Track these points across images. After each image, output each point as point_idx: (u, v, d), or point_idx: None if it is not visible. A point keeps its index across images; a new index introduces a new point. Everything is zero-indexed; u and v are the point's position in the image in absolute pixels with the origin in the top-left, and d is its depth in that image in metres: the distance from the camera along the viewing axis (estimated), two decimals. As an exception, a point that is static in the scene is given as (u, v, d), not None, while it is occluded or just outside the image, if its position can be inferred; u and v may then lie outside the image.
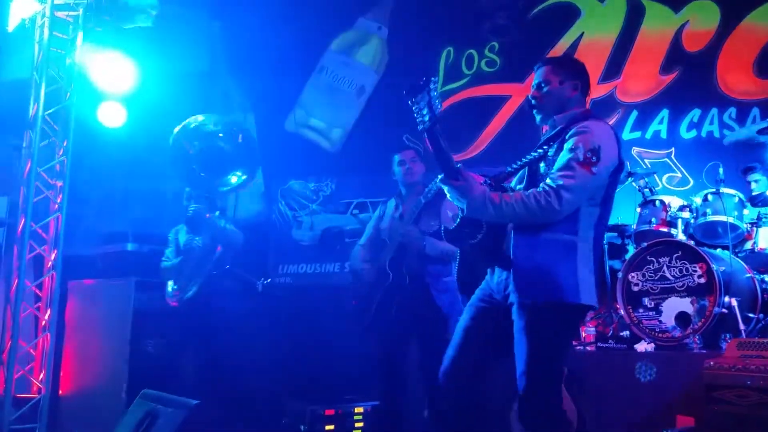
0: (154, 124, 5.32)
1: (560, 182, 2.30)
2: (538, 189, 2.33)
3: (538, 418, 2.31)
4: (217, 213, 4.69)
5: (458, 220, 2.41)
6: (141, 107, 5.35)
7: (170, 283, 4.57)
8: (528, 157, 2.49)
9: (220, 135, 4.81)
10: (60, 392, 5.09)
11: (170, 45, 5.56)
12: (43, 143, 5.01)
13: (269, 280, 4.42)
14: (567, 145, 2.38)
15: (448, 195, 2.38)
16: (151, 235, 5.32)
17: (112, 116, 5.28)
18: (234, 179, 4.75)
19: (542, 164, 2.45)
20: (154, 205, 5.62)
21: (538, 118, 2.59)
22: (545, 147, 2.47)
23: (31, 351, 4.96)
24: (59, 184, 5.15)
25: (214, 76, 6.21)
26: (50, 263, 5.06)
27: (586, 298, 2.34)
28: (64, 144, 5.15)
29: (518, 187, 2.55)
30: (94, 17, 5.12)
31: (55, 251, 5.06)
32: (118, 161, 5.59)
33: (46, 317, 5.00)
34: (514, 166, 2.54)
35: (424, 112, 2.32)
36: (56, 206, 5.11)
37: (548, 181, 2.33)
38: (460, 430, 2.47)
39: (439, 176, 2.37)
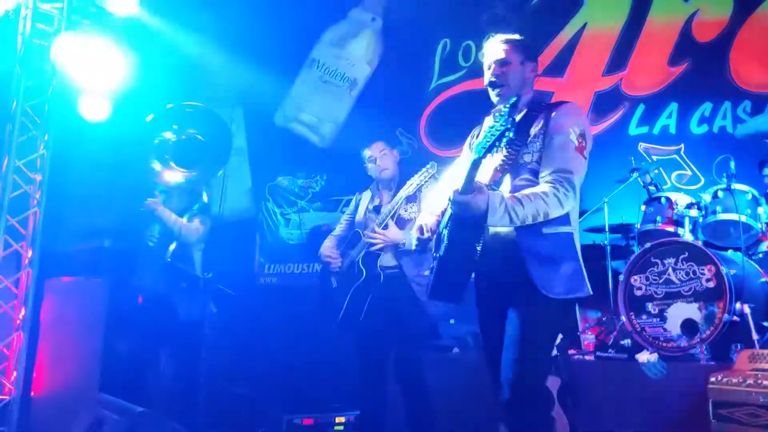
0: (138, 118, 5.18)
1: (569, 172, 2.29)
2: (552, 184, 2.28)
3: (526, 408, 2.29)
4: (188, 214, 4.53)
5: (447, 228, 2.35)
6: (126, 101, 5.22)
7: None
8: (507, 153, 2.32)
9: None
10: (32, 393, 4.90)
11: (156, 37, 5.39)
12: (23, 137, 4.90)
13: (210, 275, 4.21)
14: (554, 133, 2.33)
15: (460, 209, 2.22)
16: (130, 232, 5.14)
17: (95, 110, 5.15)
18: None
19: (526, 155, 2.37)
20: (136, 202, 5.46)
21: (496, 101, 2.50)
22: (518, 139, 2.33)
23: (4, 350, 4.81)
24: (38, 178, 5.02)
25: (201, 68, 6.04)
26: (27, 260, 4.92)
27: (588, 288, 2.38)
28: (45, 138, 5.02)
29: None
30: (79, 9, 5.00)
31: (32, 248, 4.89)
32: (100, 156, 5.46)
33: (21, 315, 4.84)
34: (496, 165, 2.38)
35: (500, 139, 2.15)
36: (35, 201, 4.98)
37: (555, 173, 2.29)
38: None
39: (453, 192, 2.23)
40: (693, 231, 3.93)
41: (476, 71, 5.82)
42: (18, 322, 4.85)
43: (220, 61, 6.09)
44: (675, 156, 5.09)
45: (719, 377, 2.59)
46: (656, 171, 4.25)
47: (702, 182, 4.89)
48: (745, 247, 3.74)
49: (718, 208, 3.85)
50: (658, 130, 5.16)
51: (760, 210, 3.83)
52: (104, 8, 5.03)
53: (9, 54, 5.03)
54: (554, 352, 3.15)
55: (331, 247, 3.73)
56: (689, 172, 5.02)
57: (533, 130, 2.37)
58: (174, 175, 4.57)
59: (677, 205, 3.96)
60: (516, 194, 2.27)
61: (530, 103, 2.47)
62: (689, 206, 3.94)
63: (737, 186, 3.86)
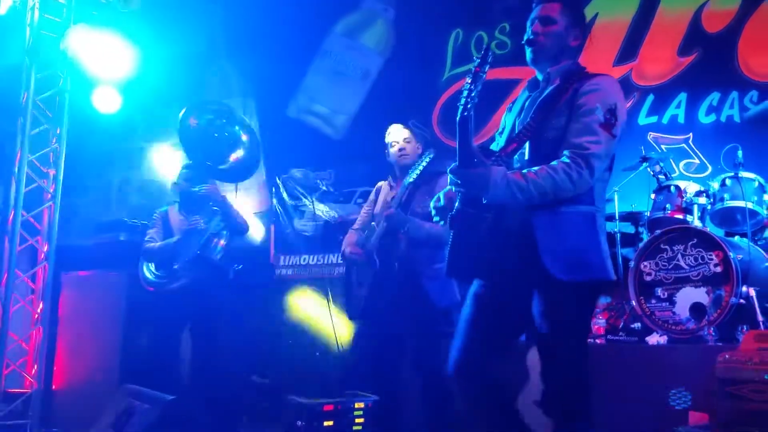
0: (151, 109, 5.21)
1: (588, 149, 2.10)
2: (563, 160, 2.11)
3: (571, 406, 2.18)
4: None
5: (458, 201, 2.22)
6: (137, 92, 5.25)
7: (150, 266, 4.29)
8: (528, 124, 2.23)
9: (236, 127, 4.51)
10: (53, 387, 4.98)
11: (168, 28, 5.42)
12: (35, 130, 4.92)
13: (240, 267, 4.21)
14: (580, 106, 2.16)
15: (459, 184, 2.12)
16: (146, 226, 5.18)
17: (107, 102, 5.17)
18: (233, 157, 4.40)
19: (551, 131, 2.20)
20: (151, 195, 5.51)
21: (533, 63, 2.32)
22: (544, 110, 2.20)
23: (24, 345, 4.87)
24: (52, 172, 5.06)
25: (213, 59, 6.07)
26: (43, 254, 4.97)
27: (612, 272, 2.21)
28: (58, 131, 5.05)
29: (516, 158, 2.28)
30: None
31: (48, 242, 4.96)
32: (114, 149, 5.49)
33: (39, 310, 4.91)
34: (512, 135, 2.30)
35: (473, 94, 2.10)
36: (49, 195, 5.02)
37: (572, 149, 2.12)
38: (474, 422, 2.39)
39: (452, 165, 2.13)
40: (701, 218, 3.97)
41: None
42: (36, 316, 4.92)
43: (231, 52, 6.13)
44: (683, 145, 5.12)
45: (726, 357, 2.64)
46: (663, 163, 4.28)
47: (709, 170, 4.93)
48: (751, 233, 3.79)
49: (726, 196, 3.90)
50: (667, 119, 5.19)
51: (766, 197, 3.89)
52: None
53: (17, 46, 5.02)
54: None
55: (352, 243, 3.66)
56: (697, 161, 5.06)
57: (561, 102, 2.20)
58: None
59: (686, 193, 3.99)
60: (523, 171, 2.12)
61: (566, 73, 2.27)
62: (698, 194, 3.98)
63: (744, 174, 3.90)
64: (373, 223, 3.60)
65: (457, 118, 2.08)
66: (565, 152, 2.13)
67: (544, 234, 2.14)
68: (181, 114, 4.26)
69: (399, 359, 3.55)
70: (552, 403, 2.22)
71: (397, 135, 3.60)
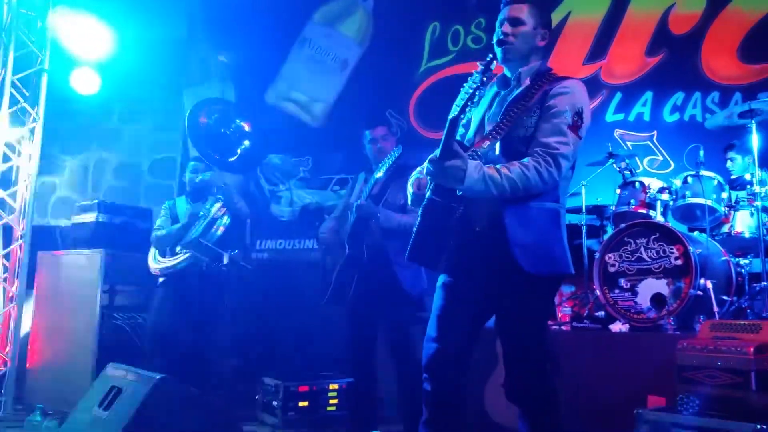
0: (128, 91, 5.19)
1: (557, 149, 2.21)
2: (534, 158, 2.21)
3: (533, 392, 2.29)
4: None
5: (429, 190, 2.28)
6: (116, 74, 5.22)
7: (155, 252, 4.37)
8: (501, 122, 2.31)
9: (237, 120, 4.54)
10: (27, 365, 4.98)
11: (147, 11, 5.40)
12: (13, 109, 4.88)
13: (236, 252, 4.28)
14: (550, 107, 2.25)
15: (435, 174, 2.18)
16: (123, 207, 5.20)
17: (86, 83, 5.15)
18: (240, 149, 4.42)
19: (521, 127, 2.28)
20: (127, 176, 5.50)
21: (503, 62, 2.39)
22: (515, 109, 2.28)
23: (-3, 323, 4.86)
24: (29, 151, 5.03)
25: (193, 44, 6.05)
26: (19, 233, 4.95)
27: (571, 266, 2.34)
28: (35, 110, 5.02)
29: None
30: (68, -22, 4.97)
31: (24, 221, 4.94)
32: (91, 129, 5.45)
33: (14, 288, 4.90)
34: (482, 131, 2.40)
35: (475, 99, 2.16)
36: (26, 174, 4.99)
37: (542, 148, 2.22)
38: (444, 412, 2.45)
39: (430, 156, 2.19)
40: (664, 213, 4.15)
41: (465, 56, 6.01)
42: (11, 295, 4.91)
43: (211, 37, 6.13)
44: (648, 142, 5.33)
45: (684, 344, 2.81)
46: (628, 160, 4.47)
47: (672, 167, 5.14)
48: (710, 229, 4.04)
49: (687, 193, 4.10)
50: (633, 117, 5.39)
51: (724, 195, 4.11)
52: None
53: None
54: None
55: (328, 229, 3.77)
56: (661, 158, 5.27)
57: (531, 102, 2.28)
58: None
59: (650, 189, 4.17)
60: (496, 165, 2.19)
61: (535, 74, 2.36)
62: (661, 190, 4.15)
63: (705, 173, 4.11)
64: (349, 211, 3.69)
65: (450, 116, 2.12)
66: (536, 150, 2.22)
67: (513, 228, 2.23)
68: (188, 112, 4.34)
69: (372, 344, 3.66)
70: (516, 390, 2.33)
71: (376, 132, 3.70)
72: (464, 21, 5.98)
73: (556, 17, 5.66)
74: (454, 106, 2.14)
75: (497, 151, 2.30)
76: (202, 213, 4.29)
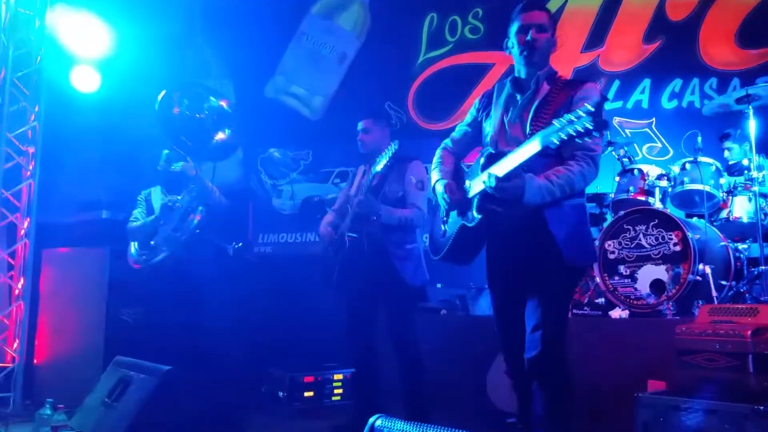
0: (128, 88, 5.21)
1: (594, 150, 2.41)
2: (577, 160, 2.39)
3: (554, 371, 2.45)
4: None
5: (476, 198, 2.45)
6: (116, 71, 5.24)
7: (134, 244, 4.36)
8: (533, 126, 2.44)
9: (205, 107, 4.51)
10: (35, 361, 5.03)
11: (145, 7, 5.41)
12: (13, 108, 4.93)
13: (240, 245, 4.30)
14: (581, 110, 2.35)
15: (498, 191, 2.32)
16: (126, 203, 5.21)
17: (85, 81, 5.18)
18: (220, 135, 4.40)
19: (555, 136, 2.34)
20: (129, 172, 5.51)
21: (527, 66, 2.53)
22: (544, 115, 2.44)
23: (5, 320, 4.93)
24: (31, 150, 5.08)
25: (191, 40, 6.06)
26: (23, 231, 5.01)
27: (596, 256, 2.57)
28: (36, 109, 5.07)
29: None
30: (66, -22, 4.98)
31: (28, 219, 4.99)
32: (92, 127, 5.47)
33: (20, 286, 4.96)
34: (508, 136, 2.54)
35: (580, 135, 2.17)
36: (28, 173, 5.05)
37: (580, 150, 2.39)
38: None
39: (491, 178, 2.31)
40: (662, 200, 4.19)
41: (462, 46, 6.03)
42: (17, 292, 4.97)
43: (209, 32, 6.14)
44: (646, 129, 5.36)
45: (683, 329, 2.85)
46: (627, 148, 4.50)
47: (671, 154, 5.18)
48: (708, 214, 4.06)
49: (686, 179, 4.13)
50: (631, 104, 5.42)
51: (722, 181, 4.15)
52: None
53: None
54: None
55: (328, 223, 3.82)
56: (659, 145, 5.30)
57: (557, 106, 2.44)
58: None
59: (648, 176, 4.20)
60: (546, 174, 2.37)
61: (549, 79, 2.54)
62: (659, 177, 4.19)
63: (703, 159, 4.14)
64: (348, 204, 3.73)
65: (542, 147, 2.19)
66: (576, 153, 2.39)
67: (554, 225, 2.42)
68: (160, 99, 4.27)
69: (372, 334, 3.72)
70: (538, 365, 2.47)
71: (361, 125, 3.75)
72: (461, 11, 6.00)
73: (553, 5, 5.68)
74: (546, 136, 2.17)
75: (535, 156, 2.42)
76: (177, 205, 4.23)
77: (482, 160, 2.51)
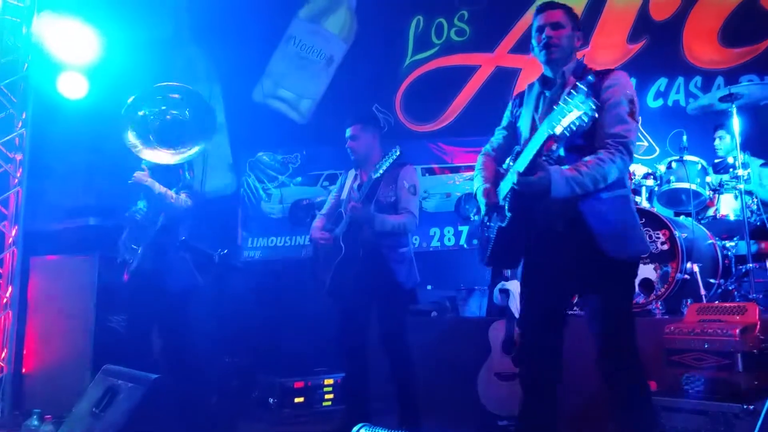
0: (116, 94, 5.16)
1: (626, 137, 2.35)
2: (608, 149, 2.33)
3: (629, 367, 2.40)
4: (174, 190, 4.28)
5: (508, 198, 2.44)
6: (103, 78, 5.21)
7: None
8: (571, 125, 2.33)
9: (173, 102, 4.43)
10: (23, 370, 4.99)
11: (132, 13, 5.39)
12: (0, 115, 4.89)
13: (226, 251, 4.28)
14: (606, 100, 2.38)
15: (524, 187, 2.30)
16: (114, 209, 5.19)
17: (73, 87, 5.14)
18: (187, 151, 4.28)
19: (555, 120, 2.33)
20: (117, 179, 5.48)
21: (548, 64, 2.53)
22: (568, 108, 2.30)
23: (-8, 329, 4.88)
24: (19, 157, 5.04)
25: (179, 44, 6.04)
26: (11, 239, 4.96)
27: (648, 244, 2.56)
28: (23, 116, 5.02)
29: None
30: (52, -16, 4.95)
31: (16, 226, 4.96)
32: (80, 134, 5.44)
33: (8, 294, 4.91)
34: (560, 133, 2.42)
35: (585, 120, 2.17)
36: (16, 180, 5.01)
37: (611, 138, 2.34)
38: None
39: (513, 174, 2.32)
40: (649, 199, 4.21)
41: (448, 48, 6.06)
42: (5, 300, 4.92)
43: (197, 37, 6.12)
44: (633, 128, 5.41)
45: (672, 328, 2.88)
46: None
47: (657, 152, 5.22)
48: (695, 213, 4.08)
49: (672, 178, 4.16)
50: (617, 103, 5.46)
51: (708, 179, 4.18)
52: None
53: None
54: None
55: (320, 228, 3.78)
56: (646, 144, 5.34)
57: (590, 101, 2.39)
58: (160, 156, 4.26)
59: (635, 175, 4.21)
60: (575, 165, 2.32)
61: (575, 72, 2.51)
62: (646, 176, 4.21)
63: (689, 157, 4.17)
64: (341, 209, 3.71)
65: (548, 133, 2.20)
66: (607, 141, 2.35)
67: (593, 220, 2.37)
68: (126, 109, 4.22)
69: (364, 338, 3.68)
70: (609, 366, 2.43)
71: (347, 132, 3.72)
72: (447, 14, 6.02)
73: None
74: (549, 123, 2.18)
75: (561, 151, 2.43)
76: (137, 217, 4.21)
77: (510, 161, 2.53)
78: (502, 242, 2.53)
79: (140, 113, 4.26)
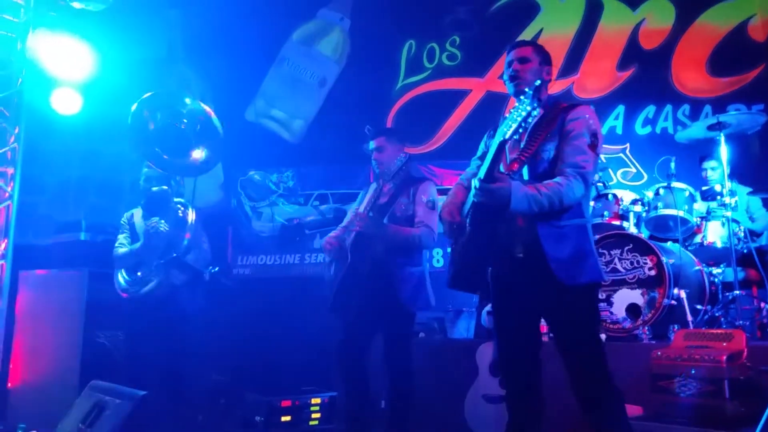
0: (110, 111, 5.19)
1: (582, 167, 2.44)
2: (565, 176, 2.42)
3: (600, 393, 2.42)
4: (182, 200, 4.31)
5: (470, 214, 2.50)
6: (97, 94, 5.22)
7: (122, 272, 4.22)
8: (525, 147, 2.50)
9: (183, 113, 4.37)
10: (9, 385, 4.94)
11: (126, 31, 5.42)
12: (-7, 130, 4.88)
13: (217, 269, 4.26)
14: (569, 131, 2.48)
15: (484, 196, 2.36)
16: (105, 225, 5.19)
17: (66, 103, 5.15)
18: (196, 154, 4.28)
19: (544, 150, 2.51)
20: (109, 194, 5.49)
21: (516, 95, 2.59)
22: (537, 135, 2.50)
23: (-21, 343, 4.83)
24: (10, 171, 5.01)
25: (172, 63, 6.08)
26: (0, 253, 4.94)
27: (603, 274, 2.57)
28: (16, 131, 5.01)
29: None
30: (47, 0, 4.98)
31: (6, 240, 4.93)
32: (73, 149, 5.45)
33: (-4, 308, 4.87)
34: (510, 158, 2.56)
35: (525, 122, 2.27)
36: (7, 194, 4.98)
37: (570, 167, 2.44)
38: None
39: (475, 180, 2.38)
40: (637, 225, 4.25)
41: (440, 72, 6.14)
42: (-7, 314, 4.90)
43: (190, 56, 6.16)
44: (621, 155, 5.49)
45: (659, 354, 2.90)
46: (602, 173, 4.57)
47: (645, 179, 5.29)
48: (682, 239, 4.13)
49: (660, 204, 4.21)
50: (606, 130, 5.50)
51: (696, 206, 4.24)
52: (72, 1, 5.04)
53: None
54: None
55: (333, 237, 3.70)
56: (634, 170, 5.42)
57: (551, 128, 2.51)
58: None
59: (623, 201, 4.27)
60: (534, 185, 2.40)
61: (546, 105, 2.59)
62: (634, 202, 4.26)
63: (676, 184, 4.22)
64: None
65: (500, 139, 2.28)
66: (565, 169, 2.45)
67: (550, 246, 2.44)
68: (133, 113, 4.17)
69: (365, 357, 3.60)
70: (580, 393, 2.46)
71: (371, 145, 3.69)
72: (439, 39, 6.12)
73: (528, 34, 5.83)
74: (501, 130, 2.28)
75: (525, 175, 2.54)
76: (162, 229, 4.03)
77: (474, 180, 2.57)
78: (465, 262, 2.56)
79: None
